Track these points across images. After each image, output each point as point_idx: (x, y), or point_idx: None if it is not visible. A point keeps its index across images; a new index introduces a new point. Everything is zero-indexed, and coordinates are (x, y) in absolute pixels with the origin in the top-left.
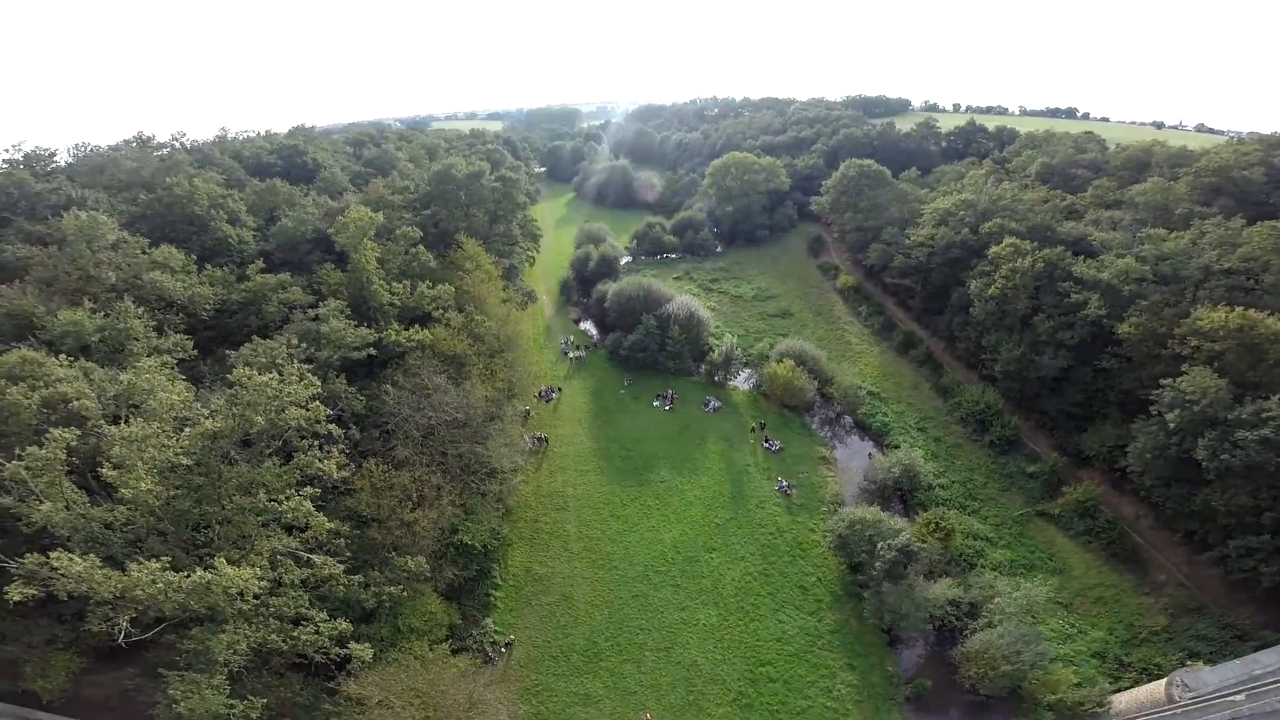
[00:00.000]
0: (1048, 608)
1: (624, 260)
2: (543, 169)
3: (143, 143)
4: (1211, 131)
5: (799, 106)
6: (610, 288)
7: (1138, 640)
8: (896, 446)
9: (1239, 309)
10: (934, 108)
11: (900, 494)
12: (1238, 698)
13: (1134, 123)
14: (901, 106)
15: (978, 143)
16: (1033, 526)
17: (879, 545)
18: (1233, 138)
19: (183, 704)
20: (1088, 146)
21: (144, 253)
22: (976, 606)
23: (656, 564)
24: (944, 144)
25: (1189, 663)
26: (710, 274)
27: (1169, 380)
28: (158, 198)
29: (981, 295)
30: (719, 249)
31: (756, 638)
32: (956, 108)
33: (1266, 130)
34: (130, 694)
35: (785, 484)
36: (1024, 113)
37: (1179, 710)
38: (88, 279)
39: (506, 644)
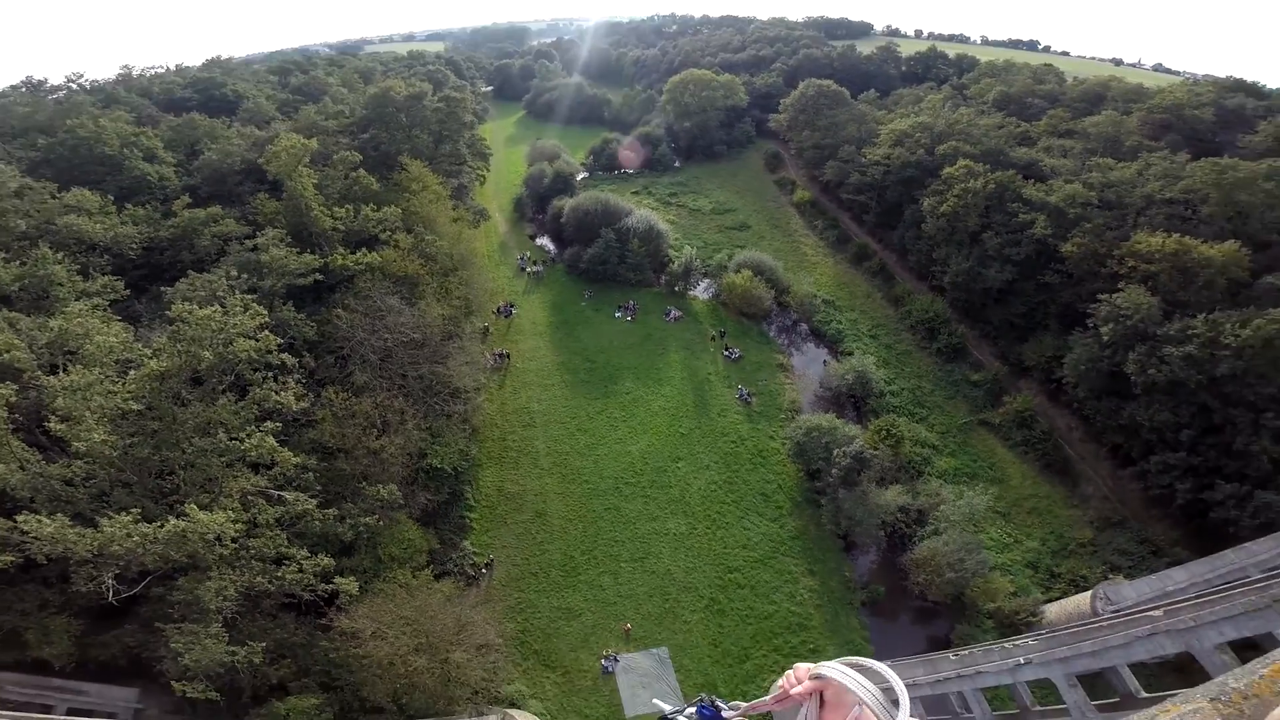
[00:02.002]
0: (988, 517)
1: (580, 176)
2: (490, 88)
3: (33, 87)
4: (1168, 72)
5: (759, 25)
6: (567, 203)
7: (1067, 552)
8: (850, 353)
9: (1175, 235)
10: (896, 33)
11: (854, 400)
12: (1155, 613)
13: (1094, 58)
14: (863, 30)
15: (938, 69)
16: (975, 435)
17: (835, 452)
18: (1188, 79)
19: (187, 656)
20: (1046, 78)
21: (54, 197)
22: (924, 514)
23: (626, 476)
24: (904, 68)
25: (1110, 576)
26: (669, 188)
27: (1106, 295)
28: (60, 141)
29: (934, 212)
30: (677, 164)
31: (724, 545)
32: (919, 34)
33: (1221, 74)
34: (135, 652)
35: (745, 392)
36: (985, 42)
37: (1104, 622)
38: None
39: (486, 564)
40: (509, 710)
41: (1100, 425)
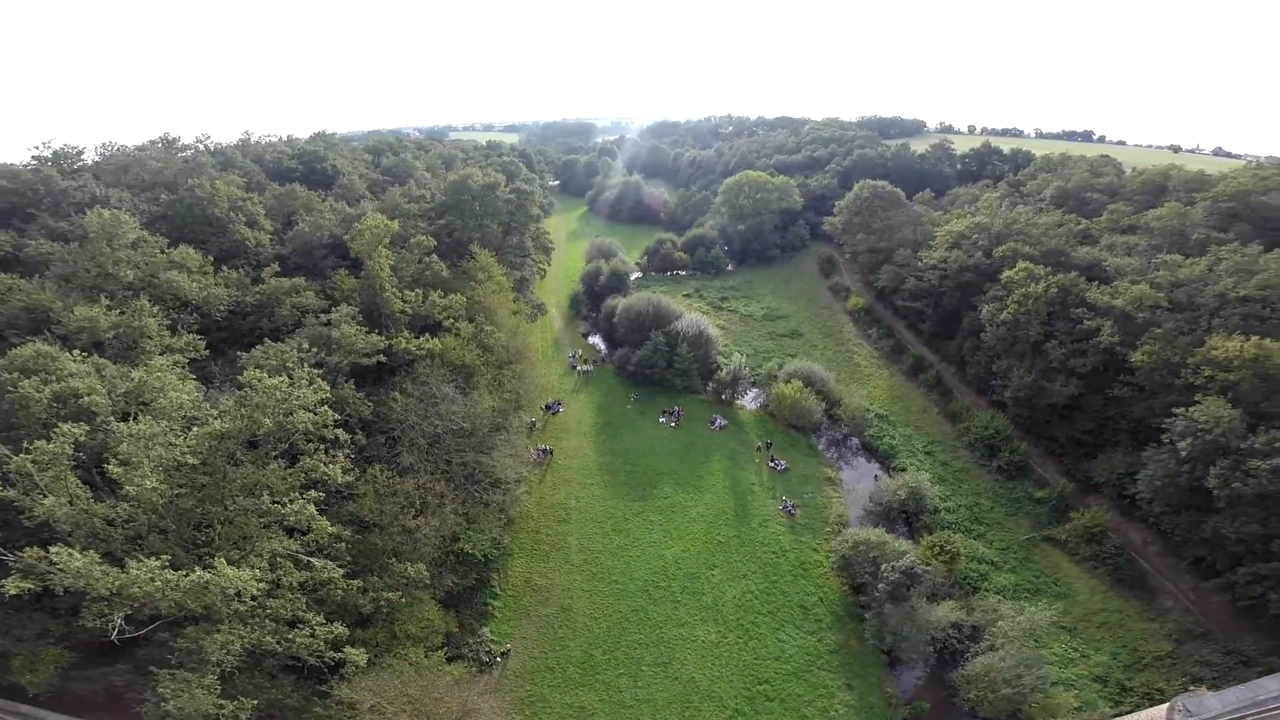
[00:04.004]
0: (1051, 632)
1: (634, 276)
2: (556, 182)
3: (168, 143)
4: (1229, 155)
5: (813, 126)
6: (620, 303)
7: (1141, 665)
8: (903, 469)
9: (1254, 338)
10: (949, 129)
11: (905, 516)
12: None
13: (1150, 146)
14: (916, 128)
15: (993, 165)
16: (1038, 552)
17: (883, 566)
18: (1251, 161)
19: (171, 702)
20: (1104, 170)
21: (163, 252)
22: (979, 630)
23: (657, 579)
24: (959, 166)
25: (1191, 687)
26: (720, 292)
27: (1182, 410)
28: (179, 198)
29: (993, 320)
30: (730, 267)
31: (755, 656)
32: (971, 129)
33: None
34: (118, 691)
35: (790, 503)
36: (1039, 135)
37: None
38: (106, 276)
39: (503, 653)
40: None
41: (1180, 539)
